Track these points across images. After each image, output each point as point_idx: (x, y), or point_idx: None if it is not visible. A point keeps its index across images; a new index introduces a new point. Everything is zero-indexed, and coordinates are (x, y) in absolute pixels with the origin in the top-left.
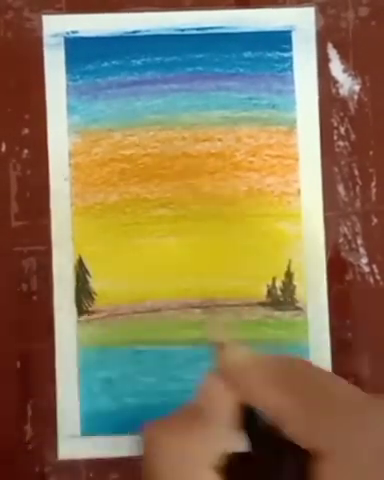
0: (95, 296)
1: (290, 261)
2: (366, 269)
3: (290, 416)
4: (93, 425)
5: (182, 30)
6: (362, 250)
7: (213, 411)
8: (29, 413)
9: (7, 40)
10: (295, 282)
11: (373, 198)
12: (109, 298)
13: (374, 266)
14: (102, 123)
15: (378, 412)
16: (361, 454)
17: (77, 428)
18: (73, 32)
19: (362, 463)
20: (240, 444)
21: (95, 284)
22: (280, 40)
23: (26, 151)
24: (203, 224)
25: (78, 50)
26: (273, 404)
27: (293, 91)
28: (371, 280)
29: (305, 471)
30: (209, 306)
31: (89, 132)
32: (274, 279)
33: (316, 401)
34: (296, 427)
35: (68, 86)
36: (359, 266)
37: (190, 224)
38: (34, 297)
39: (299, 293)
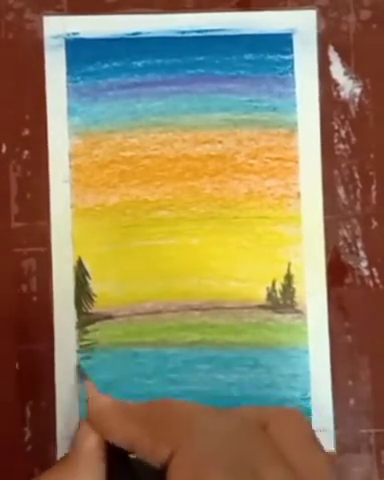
0: (95, 298)
1: (290, 264)
2: (366, 272)
3: (138, 440)
4: None
5: (183, 32)
6: (362, 253)
7: (80, 455)
8: (28, 414)
9: (8, 41)
10: (295, 285)
11: (373, 201)
12: (109, 300)
13: (374, 269)
14: (102, 125)
15: (214, 417)
16: (197, 451)
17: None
18: (74, 33)
19: (199, 457)
20: None
21: (95, 286)
22: (281, 43)
23: (26, 152)
24: (203, 226)
25: (79, 51)
26: (126, 433)
27: (294, 94)
28: (371, 283)
29: None
30: (210, 308)
31: (89, 134)
32: (274, 282)
33: (162, 422)
34: (143, 447)
35: (69, 87)
36: (359, 269)
37: (190, 226)
38: (34, 298)
39: (299, 296)
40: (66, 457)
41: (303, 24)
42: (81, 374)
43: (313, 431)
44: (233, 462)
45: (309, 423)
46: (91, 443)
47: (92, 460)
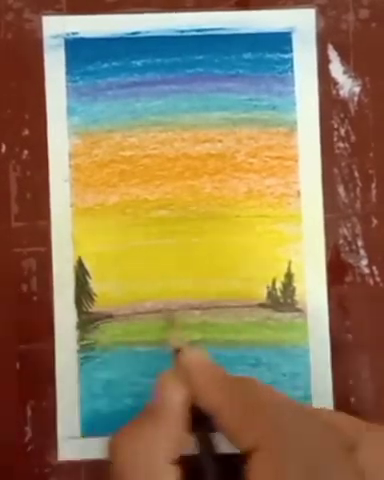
0: (95, 297)
1: (290, 262)
2: (366, 271)
3: (226, 415)
4: (93, 426)
5: (182, 31)
6: (362, 252)
7: (165, 409)
8: (29, 414)
9: (7, 41)
10: (295, 283)
11: (373, 199)
12: (109, 299)
13: (374, 268)
14: (102, 124)
15: (300, 419)
16: (280, 453)
17: (77, 429)
18: (73, 33)
19: (281, 461)
20: (188, 444)
21: (95, 285)
22: (280, 41)
23: (26, 152)
24: (203, 225)
25: (78, 51)
26: (214, 402)
27: (293, 92)
28: (371, 282)
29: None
30: (210, 307)
31: (89, 133)
32: (274, 280)
33: (251, 406)
34: (230, 425)
35: (68, 87)
36: (359, 268)
37: (190, 225)
38: (34, 298)
39: (299, 294)
40: (150, 409)
41: (302, 23)
42: (170, 320)
43: None
44: (311, 467)
45: None
46: (178, 398)
47: (179, 414)
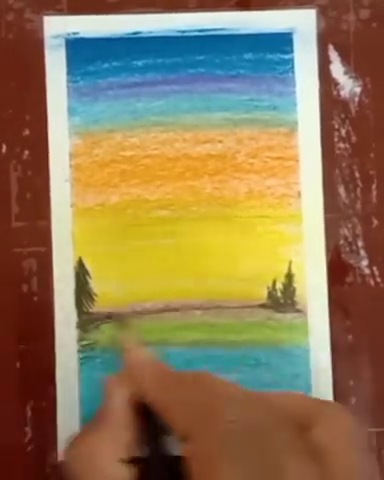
0: (95, 297)
1: (290, 263)
2: (366, 271)
3: (165, 409)
4: None
5: (183, 32)
6: (363, 252)
7: (108, 411)
8: (29, 414)
9: (8, 41)
10: (295, 284)
11: (374, 200)
12: (109, 299)
13: (374, 268)
14: (103, 124)
15: (245, 405)
16: (213, 438)
17: (77, 430)
18: (74, 33)
19: (214, 443)
20: (134, 440)
21: (95, 285)
22: (281, 42)
23: (27, 152)
24: (204, 226)
25: (79, 51)
26: (154, 396)
27: (294, 93)
28: (371, 282)
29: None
30: (211, 307)
31: (90, 133)
32: (274, 281)
33: (187, 394)
34: (167, 418)
35: (69, 87)
36: (360, 268)
37: (191, 225)
38: (34, 298)
39: (299, 295)
40: (98, 413)
41: (303, 23)
42: (120, 323)
43: (355, 433)
44: (253, 457)
45: (356, 427)
46: (120, 399)
47: (121, 415)
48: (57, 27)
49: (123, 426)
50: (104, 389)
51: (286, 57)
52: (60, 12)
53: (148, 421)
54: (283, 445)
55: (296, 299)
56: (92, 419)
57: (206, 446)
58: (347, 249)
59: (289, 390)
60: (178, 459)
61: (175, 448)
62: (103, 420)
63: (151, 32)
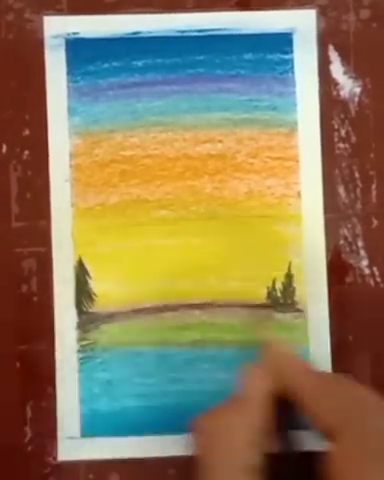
0: (95, 297)
1: (290, 263)
2: (366, 271)
3: (311, 399)
4: (93, 426)
5: (183, 32)
6: (362, 252)
7: (249, 399)
8: (29, 414)
9: (8, 41)
10: (295, 284)
11: (374, 200)
12: (109, 299)
13: (374, 268)
14: (103, 124)
15: (379, 407)
16: (367, 437)
17: (77, 429)
18: (74, 33)
19: (367, 445)
20: (269, 437)
21: (95, 285)
22: (281, 42)
23: (27, 152)
24: (203, 225)
25: (79, 51)
26: (300, 386)
27: (294, 93)
28: (371, 282)
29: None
30: (210, 307)
31: (90, 133)
32: (274, 281)
33: (337, 391)
34: (314, 409)
35: (69, 87)
36: (359, 268)
37: (190, 225)
38: (34, 298)
39: (299, 295)
40: (235, 398)
41: (303, 23)
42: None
43: None
44: None
45: None
46: (263, 389)
47: (261, 402)
48: (57, 27)
49: (260, 414)
50: (243, 377)
51: (286, 57)
52: (60, 12)
53: (286, 415)
54: None
55: (296, 299)
56: (227, 401)
57: (355, 446)
58: (347, 249)
59: None
60: (310, 455)
61: (306, 444)
62: (242, 405)
63: (151, 32)
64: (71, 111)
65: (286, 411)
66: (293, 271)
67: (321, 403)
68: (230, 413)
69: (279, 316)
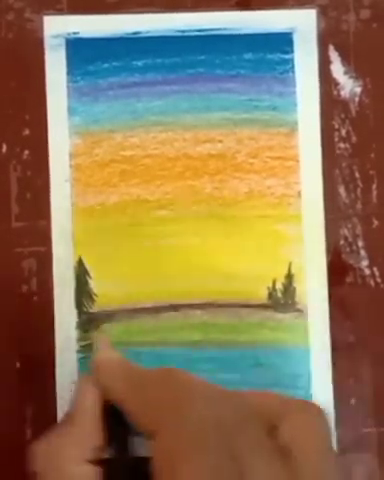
0: (95, 297)
1: (290, 263)
2: (367, 271)
3: (129, 402)
4: None
5: (183, 31)
6: (363, 252)
7: (77, 412)
8: (29, 414)
9: (8, 41)
10: (295, 284)
11: (374, 200)
12: (109, 299)
13: (375, 269)
14: (103, 124)
15: (213, 403)
16: (182, 428)
17: None
18: (74, 33)
19: (181, 436)
20: (102, 443)
21: (95, 285)
22: (281, 42)
23: (27, 152)
24: (203, 225)
25: (79, 51)
26: (119, 396)
27: (294, 93)
28: (372, 282)
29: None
30: (211, 307)
31: (90, 133)
32: (274, 281)
33: (153, 389)
34: (133, 416)
35: (69, 87)
36: (360, 269)
37: (190, 225)
38: (34, 298)
39: (300, 295)
40: (66, 415)
41: (303, 23)
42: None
43: (329, 433)
44: (220, 455)
45: (327, 423)
46: (89, 400)
47: (91, 417)
48: (57, 27)
49: (93, 427)
50: (76, 389)
51: (286, 57)
52: (60, 12)
53: (115, 422)
54: (251, 443)
55: (296, 299)
56: (59, 423)
57: (171, 442)
58: (347, 249)
59: (289, 392)
60: (145, 460)
61: (143, 450)
62: (73, 420)
63: (151, 32)
64: (71, 111)
65: (118, 417)
66: (293, 271)
67: (138, 403)
68: (62, 433)
69: (279, 316)
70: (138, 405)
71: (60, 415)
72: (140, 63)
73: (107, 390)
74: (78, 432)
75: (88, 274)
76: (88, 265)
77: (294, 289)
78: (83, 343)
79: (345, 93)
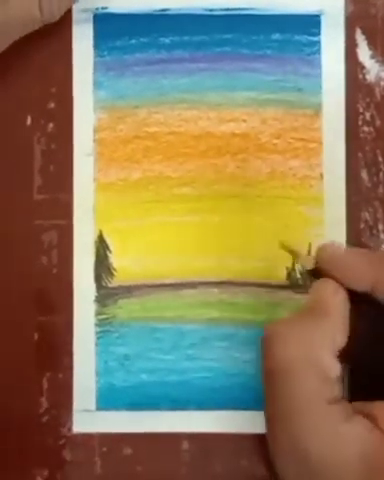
0: (114, 272)
1: (310, 245)
2: None
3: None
4: (108, 400)
5: (211, 10)
6: (383, 236)
7: (331, 306)
8: (45, 386)
9: None
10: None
11: None
12: (128, 274)
13: None
14: (128, 100)
15: None
16: None
17: (92, 402)
18: (103, 8)
19: None
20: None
21: (115, 260)
22: (309, 24)
23: (51, 125)
24: (224, 204)
25: (107, 26)
26: (367, 276)
27: (320, 75)
28: None
29: None
30: (229, 286)
31: (114, 108)
32: (294, 262)
33: None
34: None
35: (95, 61)
36: None
37: (211, 204)
38: (54, 270)
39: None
40: (311, 308)
41: (331, 6)
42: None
43: None
44: None
45: None
46: (339, 296)
47: (342, 313)
48: (86, 1)
49: (344, 324)
50: (314, 287)
51: (313, 39)
52: None
53: (363, 305)
54: None
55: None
56: (301, 312)
57: None
58: (368, 233)
59: None
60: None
61: None
62: (320, 314)
63: (179, 9)
64: (97, 85)
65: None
66: (313, 253)
67: None
68: (310, 326)
69: (298, 297)
70: None
71: (76, 387)
72: (167, 40)
73: (352, 279)
74: (330, 328)
75: (108, 249)
76: (108, 240)
77: None
78: (101, 317)
79: (371, 77)
